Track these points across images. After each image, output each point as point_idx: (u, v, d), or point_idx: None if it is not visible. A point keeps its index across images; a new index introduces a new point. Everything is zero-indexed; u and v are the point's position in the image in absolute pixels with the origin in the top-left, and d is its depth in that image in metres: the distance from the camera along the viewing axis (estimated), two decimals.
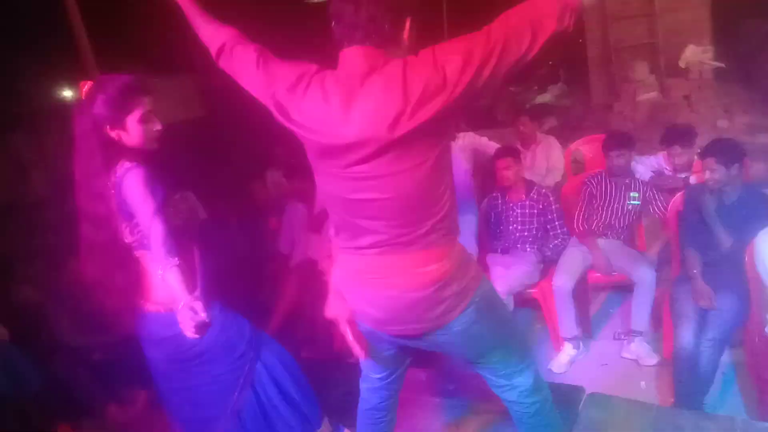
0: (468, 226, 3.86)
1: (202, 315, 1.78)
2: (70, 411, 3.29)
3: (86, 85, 1.92)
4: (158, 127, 1.97)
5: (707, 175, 2.92)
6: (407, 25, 1.55)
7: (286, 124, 1.59)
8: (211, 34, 1.79)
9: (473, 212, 3.95)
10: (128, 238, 1.99)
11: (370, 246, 1.62)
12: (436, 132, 1.50)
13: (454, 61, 1.42)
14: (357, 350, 1.86)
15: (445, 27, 7.52)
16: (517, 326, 1.91)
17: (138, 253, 2.02)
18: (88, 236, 2.00)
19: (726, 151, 2.91)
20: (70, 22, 4.03)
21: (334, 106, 1.49)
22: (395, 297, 1.65)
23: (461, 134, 4.81)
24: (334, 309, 1.87)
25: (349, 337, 1.84)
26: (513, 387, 1.87)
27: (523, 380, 1.87)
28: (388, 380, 2.03)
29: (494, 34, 1.43)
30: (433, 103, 1.42)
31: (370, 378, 2.05)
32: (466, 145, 4.73)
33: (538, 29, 1.43)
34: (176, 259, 1.85)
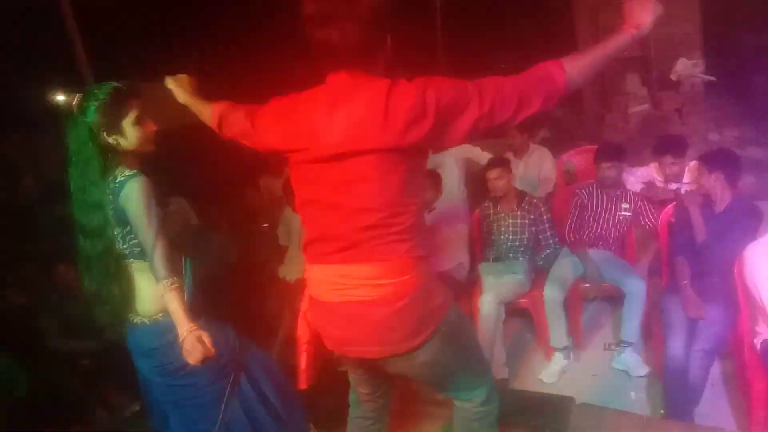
0: (460, 235, 3.88)
1: (211, 349, 1.85)
2: (58, 416, 3.27)
3: (76, 97, 1.95)
4: (153, 128, 2.03)
5: (696, 178, 2.98)
6: (388, 42, 1.59)
7: (279, 147, 1.67)
8: (210, 114, 1.96)
9: (466, 222, 3.97)
10: (120, 246, 2.00)
11: (334, 252, 1.62)
12: (410, 153, 1.53)
13: (440, 98, 1.47)
14: (300, 378, 1.91)
15: (438, 38, 7.55)
16: (481, 351, 1.94)
17: (127, 262, 2.03)
18: (85, 248, 2.01)
19: (717, 158, 2.96)
20: (66, 29, 4.02)
21: (319, 113, 1.55)
22: (355, 314, 1.63)
23: None
24: (299, 328, 1.89)
25: (302, 362, 1.89)
26: (467, 399, 1.91)
27: (478, 394, 1.90)
28: (375, 395, 2.05)
29: (485, 93, 1.49)
30: (411, 132, 1.47)
31: (358, 391, 2.07)
32: (459, 155, 4.75)
33: (524, 105, 1.51)
34: (175, 279, 1.89)
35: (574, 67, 1.51)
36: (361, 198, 1.55)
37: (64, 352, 3.54)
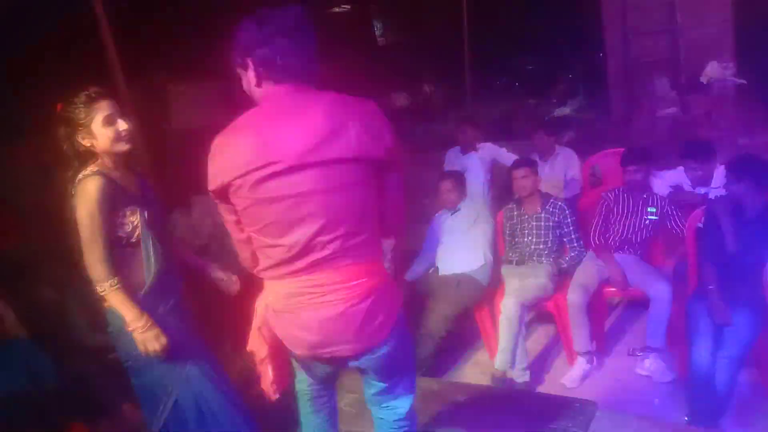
0: (484, 236, 3.87)
1: (163, 341, 2.06)
2: (86, 409, 3.33)
3: (59, 106, 2.08)
4: (123, 126, 2.09)
5: (725, 185, 2.93)
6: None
7: (236, 174, 1.59)
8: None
9: (489, 223, 3.96)
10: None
11: (305, 267, 1.65)
12: (376, 165, 1.64)
13: (395, 140, 1.65)
14: (270, 390, 1.91)
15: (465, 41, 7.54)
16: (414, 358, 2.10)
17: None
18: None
19: (745, 164, 2.90)
20: (98, 30, 4.09)
21: (281, 125, 1.57)
22: (330, 317, 1.68)
23: (480, 145, 4.84)
24: (253, 343, 1.88)
25: (269, 374, 1.89)
26: (393, 408, 2.00)
27: (403, 404, 2.00)
28: (326, 393, 2.12)
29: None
30: (378, 145, 1.61)
31: (312, 389, 2.08)
32: (485, 156, 4.76)
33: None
34: (115, 280, 2.02)
35: None
36: (330, 210, 1.60)
37: (92, 346, 3.60)
